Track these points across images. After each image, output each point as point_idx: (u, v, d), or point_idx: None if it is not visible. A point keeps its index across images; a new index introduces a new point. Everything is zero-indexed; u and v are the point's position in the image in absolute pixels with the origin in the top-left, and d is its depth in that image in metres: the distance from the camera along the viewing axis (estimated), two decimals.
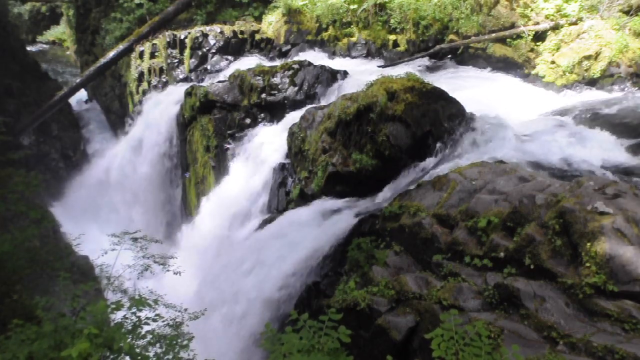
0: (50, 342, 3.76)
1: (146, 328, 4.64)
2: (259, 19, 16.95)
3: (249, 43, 16.23)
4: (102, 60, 16.79)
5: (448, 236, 5.84)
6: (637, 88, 10.65)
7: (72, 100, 19.45)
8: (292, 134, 9.57)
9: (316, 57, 14.49)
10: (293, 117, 10.67)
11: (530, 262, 4.86)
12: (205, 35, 15.90)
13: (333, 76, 11.49)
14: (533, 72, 11.85)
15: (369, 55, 14.47)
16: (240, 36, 16.08)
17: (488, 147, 7.45)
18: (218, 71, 15.62)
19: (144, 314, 4.66)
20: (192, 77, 15.85)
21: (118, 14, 17.68)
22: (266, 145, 10.99)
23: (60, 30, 35.34)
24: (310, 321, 3.60)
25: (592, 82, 11.08)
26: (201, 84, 13.52)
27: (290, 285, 7.33)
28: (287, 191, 9.86)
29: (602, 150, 7.24)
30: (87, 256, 8.81)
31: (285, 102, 11.57)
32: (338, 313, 3.63)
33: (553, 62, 11.54)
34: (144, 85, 16.96)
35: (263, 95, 11.69)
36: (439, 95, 7.96)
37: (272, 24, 16.22)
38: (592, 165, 6.86)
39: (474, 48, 12.72)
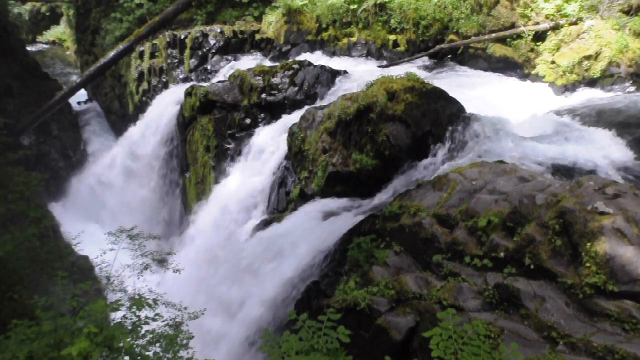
0: (50, 341, 3.76)
1: (146, 327, 4.64)
2: (259, 19, 16.95)
3: (249, 43, 16.24)
4: (102, 60, 16.81)
5: (448, 236, 5.84)
6: (637, 88, 10.64)
7: (72, 101, 19.46)
8: (292, 134, 9.57)
9: (316, 57, 14.50)
10: (293, 117, 10.67)
11: (530, 262, 4.85)
12: (205, 35, 15.91)
13: (333, 76, 11.49)
14: (533, 72, 11.84)
15: (369, 55, 14.47)
16: (240, 36, 16.09)
17: (488, 147, 7.44)
18: (218, 71, 15.63)
19: (144, 313, 4.65)
20: (192, 77, 15.85)
21: (118, 14, 17.69)
22: (266, 145, 10.98)
23: (60, 30, 35.37)
24: (310, 321, 3.59)
25: (592, 82, 11.07)
26: (201, 84, 13.52)
27: (291, 285, 7.32)
28: (287, 191, 9.86)
29: (602, 150, 7.24)
30: (87, 256, 8.81)
31: (285, 102, 11.57)
32: (338, 313, 3.62)
33: (553, 62, 11.53)
34: (144, 85, 16.97)
35: (263, 95, 11.69)
36: (439, 95, 7.96)
37: (272, 24, 16.22)
38: (592, 165, 6.85)
39: (474, 48, 12.71)
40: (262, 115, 11.83)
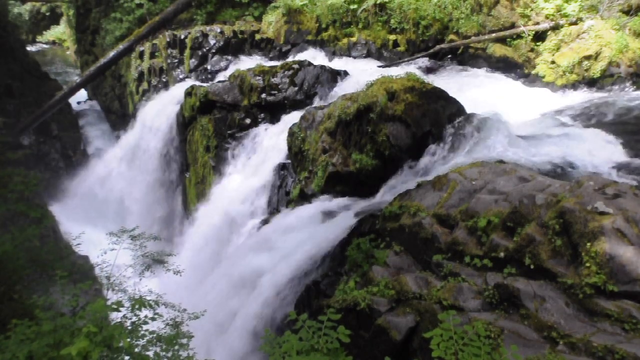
0: (50, 341, 3.75)
1: (146, 327, 4.64)
2: (259, 19, 16.95)
3: (249, 43, 16.23)
4: (102, 60, 16.80)
5: (448, 236, 5.84)
6: (637, 88, 10.64)
7: (72, 100, 19.46)
8: (292, 134, 9.57)
9: (316, 57, 14.50)
10: (293, 117, 10.68)
11: (530, 262, 4.85)
12: (205, 35, 15.90)
13: (333, 76, 11.49)
14: (533, 72, 11.85)
15: (369, 55, 14.48)
16: (240, 36, 16.08)
17: (488, 147, 7.44)
18: (218, 71, 15.63)
19: (144, 313, 4.65)
20: (192, 77, 15.85)
21: (118, 14, 17.69)
22: (266, 145, 10.98)
23: (60, 30, 35.43)
24: (310, 321, 3.59)
25: (592, 82, 11.08)
26: (201, 84, 13.52)
27: (290, 285, 7.32)
28: (287, 191, 9.86)
29: (602, 150, 7.24)
30: (87, 256, 8.81)
31: (285, 102, 11.57)
32: (338, 313, 3.62)
33: (553, 62, 11.54)
34: (144, 85, 16.96)
35: (263, 95, 11.69)
36: (439, 95, 7.96)
37: (272, 24, 16.22)
38: (592, 165, 6.85)
39: (474, 48, 12.72)
40: (262, 115, 11.83)
